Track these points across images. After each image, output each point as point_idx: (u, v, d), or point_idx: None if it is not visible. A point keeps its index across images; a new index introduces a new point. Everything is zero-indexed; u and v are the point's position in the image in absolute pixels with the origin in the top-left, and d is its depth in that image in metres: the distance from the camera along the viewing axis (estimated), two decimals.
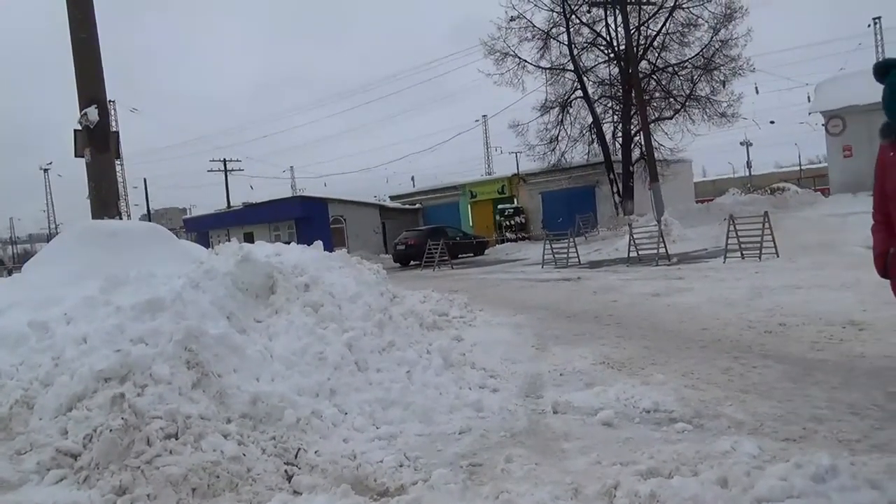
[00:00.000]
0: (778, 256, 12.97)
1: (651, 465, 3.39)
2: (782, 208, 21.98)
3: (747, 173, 57.02)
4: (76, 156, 8.72)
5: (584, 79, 28.34)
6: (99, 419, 3.72)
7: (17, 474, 3.46)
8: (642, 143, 25.26)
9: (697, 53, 26.69)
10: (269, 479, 3.62)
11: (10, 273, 36.19)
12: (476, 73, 46.79)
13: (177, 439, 3.72)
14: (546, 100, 29.07)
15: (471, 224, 36.10)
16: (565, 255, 18.22)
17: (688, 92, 27.01)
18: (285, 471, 3.74)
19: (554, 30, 28.14)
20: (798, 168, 57.61)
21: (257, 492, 3.45)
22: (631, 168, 27.63)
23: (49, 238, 53.31)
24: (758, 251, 13.33)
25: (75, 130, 8.61)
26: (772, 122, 56.33)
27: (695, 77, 26.93)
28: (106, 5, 8.82)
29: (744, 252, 13.65)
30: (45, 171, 65.23)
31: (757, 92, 35.82)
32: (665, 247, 15.51)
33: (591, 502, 3.08)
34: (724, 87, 26.82)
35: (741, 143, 55.00)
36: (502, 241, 31.78)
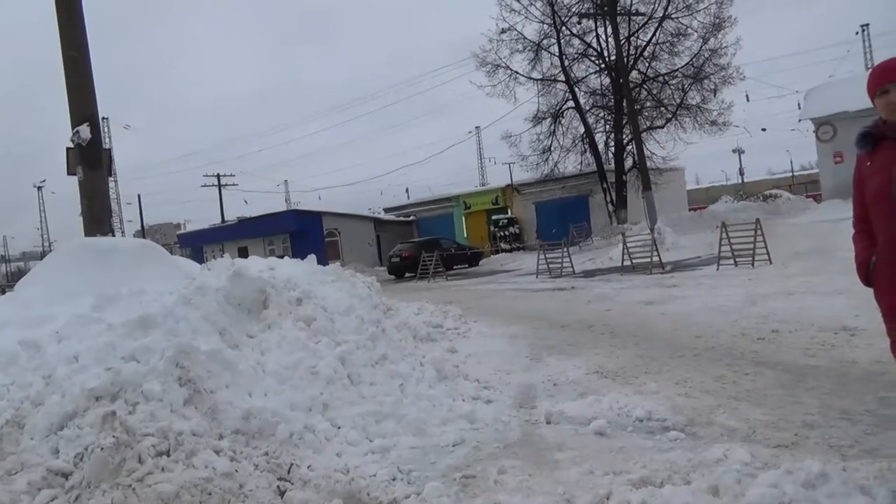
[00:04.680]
0: (771, 263, 13.01)
1: (643, 475, 3.40)
2: (775, 215, 22.14)
3: (740, 180, 57.49)
4: (69, 173, 8.71)
5: (576, 89, 28.60)
6: (90, 438, 3.70)
7: (8, 495, 3.42)
8: (634, 152, 25.40)
9: (687, 63, 26.99)
10: (262, 494, 3.61)
11: (2, 291, 36.02)
12: (469, 84, 47.11)
13: (168, 456, 3.71)
14: (538, 111, 29.38)
15: (465, 235, 36.20)
16: (559, 265, 18.25)
17: (678, 101, 27.24)
18: (278, 486, 3.72)
19: (545, 41, 28.46)
20: (790, 174, 58.06)
21: None
22: (624, 177, 27.81)
23: (42, 256, 53.02)
24: (751, 258, 13.39)
25: (67, 148, 8.61)
26: (763, 130, 56.87)
27: (685, 86, 27.17)
28: (97, 20, 8.84)
29: (737, 259, 13.69)
30: (39, 188, 65.30)
31: (748, 100, 36.37)
32: (659, 255, 15.55)
33: None
34: (714, 95, 27.13)
35: (733, 151, 55.60)
36: (497, 252, 31.86)
